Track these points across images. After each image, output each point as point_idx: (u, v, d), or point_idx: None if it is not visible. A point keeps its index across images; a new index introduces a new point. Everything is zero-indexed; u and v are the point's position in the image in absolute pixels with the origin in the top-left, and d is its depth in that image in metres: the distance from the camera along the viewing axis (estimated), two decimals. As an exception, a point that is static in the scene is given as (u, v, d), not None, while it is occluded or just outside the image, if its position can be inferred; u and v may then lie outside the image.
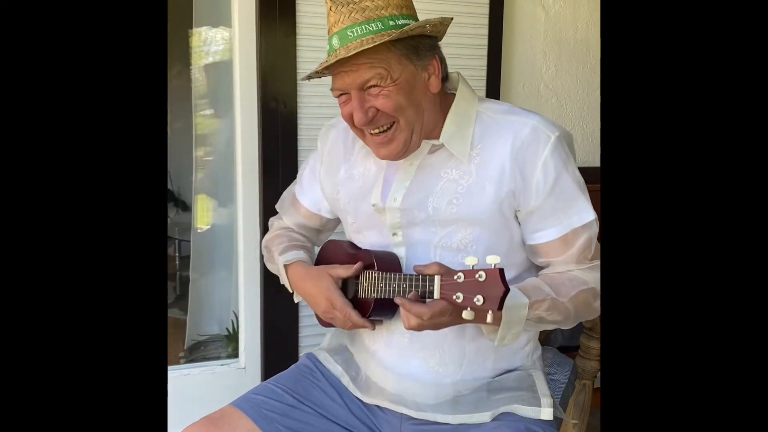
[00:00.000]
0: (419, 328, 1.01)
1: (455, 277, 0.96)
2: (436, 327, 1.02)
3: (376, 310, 1.15)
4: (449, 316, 0.99)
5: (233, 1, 1.90)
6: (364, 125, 1.09)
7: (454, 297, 0.95)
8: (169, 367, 1.80)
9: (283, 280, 1.33)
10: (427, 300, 1.01)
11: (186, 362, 2.35)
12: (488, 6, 2.07)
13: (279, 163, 1.91)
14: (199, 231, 2.62)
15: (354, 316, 1.16)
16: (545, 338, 1.49)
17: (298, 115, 1.91)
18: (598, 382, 1.54)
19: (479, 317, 0.94)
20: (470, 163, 1.11)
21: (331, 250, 1.34)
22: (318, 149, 1.35)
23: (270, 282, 1.91)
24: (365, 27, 1.04)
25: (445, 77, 1.15)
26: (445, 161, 1.13)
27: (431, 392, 1.17)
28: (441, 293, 0.97)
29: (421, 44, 1.09)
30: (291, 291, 1.34)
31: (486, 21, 2.08)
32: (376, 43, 1.02)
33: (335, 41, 1.07)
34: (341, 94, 1.12)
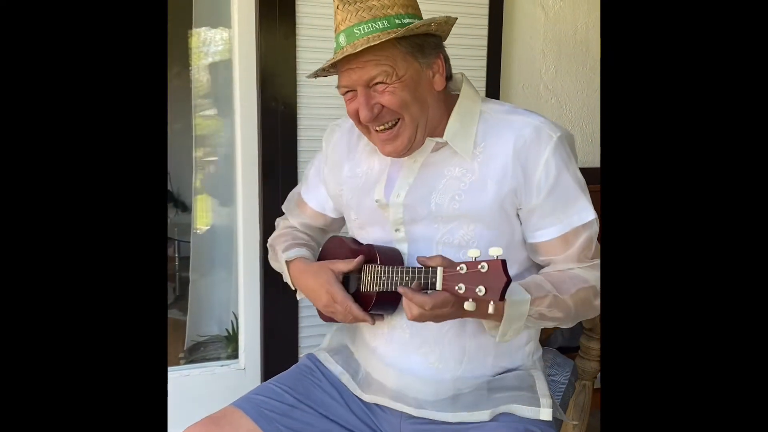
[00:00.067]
0: (421, 318, 1.02)
1: (458, 268, 0.96)
2: (437, 318, 1.03)
3: (378, 304, 1.16)
4: (451, 308, 1.00)
5: (233, 1, 1.91)
6: (370, 121, 1.11)
7: (456, 288, 0.95)
8: (168, 368, 1.80)
9: (286, 278, 1.34)
10: (429, 291, 1.02)
11: (186, 363, 2.35)
12: (488, 6, 2.08)
13: (279, 164, 1.92)
14: (198, 232, 2.62)
15: (355, 309, 1.17)
16: (545, 339, 1.49)
17: (298, 116, 1.91)
18: (598, 382, 1.54)
19: (481, 309, 0.94)
20: (473, 160, 1.13)
21: (333, 245, 1.35)
22: (323, 149, 1.37)
23: (270, 282, 1.92)
24: (372, 25, 1.06)
25: (449, 76, 1.17)
26: (449, 159, 1.15)
27: (431, 389, 1.17)
28: (443, 284, 0.98)
29: (426, 43, 1.11)
30: (294, 288, 1.35)
31: (485, 21, 2.08)
32: (383, 40, 1.04)
33: (342, 39, 1.09)
34: (347, 92, 1.13)
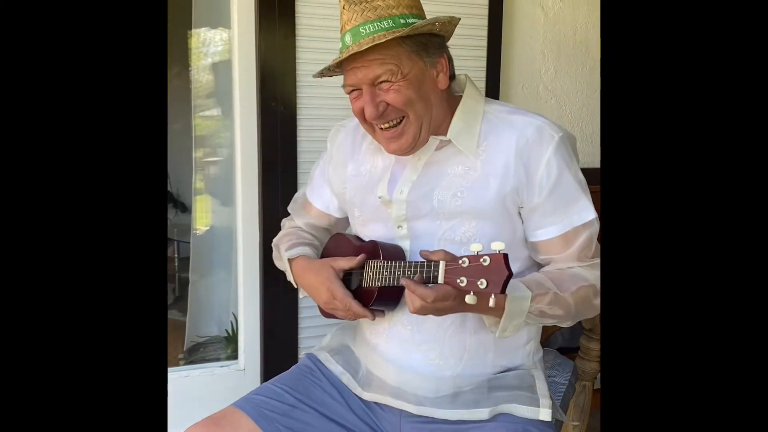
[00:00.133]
0: (422, 311, 1.02)
1: (460, 262, 0.97)
2: (439, 312, 1.03)
3: (380, 300, 1.17)
4: (452, 301, 1.00)
5: (232, 2, 1.90)
6: (375, 119, 1.13)
7: (458, 281, 0.96)
8: (168, 369, 1.80)
9: (289, 276, 1.36)
10: (431, 285, 1.02)
11: (185, 364, 2.35)
12: (487, 7, 2.08)
13: (278, 164, 1.92)
14: (198, 232, 2.62)
15: (354, 305, 1.18)
16: (545, 340, 1.49)
17: (298, 116, 1.91)
18: (598, 383, 1.55)
19: (482, 302, 0.95)
20: (476, 158, 1.14)
21: (336, 243, 1.36)
22: (327, 149, 1.39)
23: (269, 283, 1.92)
24: (377, 24, 1.08)
25: (452, 76, 1.19)
26: (452, 158, 1.16)
27: (431, 385, 1.18)
28: (445, 278, 0.99)
29: (430, 42, 1.12)
30: (296, 287, 1.36)
31: (485, 22, 2.08)
32: (388, 39, 1.06)
33: (348, 38, 1.10)
34: (353, 90, 1.15)
